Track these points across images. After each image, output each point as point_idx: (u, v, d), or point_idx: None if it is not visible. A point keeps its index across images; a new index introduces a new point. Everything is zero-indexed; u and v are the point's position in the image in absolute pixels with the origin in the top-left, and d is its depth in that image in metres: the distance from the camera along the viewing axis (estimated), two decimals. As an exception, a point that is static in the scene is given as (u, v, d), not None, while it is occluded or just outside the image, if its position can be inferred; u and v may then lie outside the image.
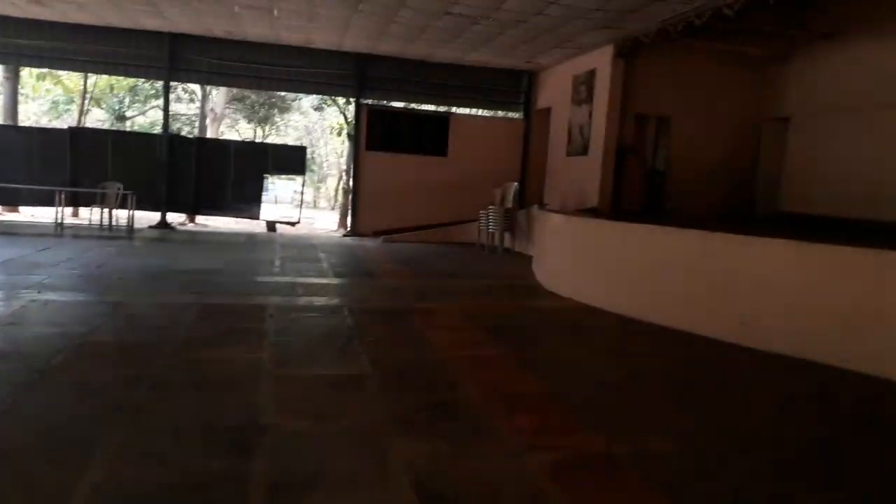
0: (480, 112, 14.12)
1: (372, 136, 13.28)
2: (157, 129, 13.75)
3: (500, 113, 14.40)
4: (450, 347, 4.74)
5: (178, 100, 24.64)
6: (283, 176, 14.50)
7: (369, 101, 13.57)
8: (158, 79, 13.08)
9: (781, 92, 10.80)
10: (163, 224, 13.10)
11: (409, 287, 7.53)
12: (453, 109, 13.82)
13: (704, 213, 10.79)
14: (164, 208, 13.12)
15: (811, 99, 10.20)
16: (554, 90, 12.77)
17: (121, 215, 12.14)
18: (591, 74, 11.02)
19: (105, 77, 20.49)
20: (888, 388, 4.19)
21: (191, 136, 18.89)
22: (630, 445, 3.03)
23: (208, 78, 13.66)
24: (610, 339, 5.50)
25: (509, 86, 13.73)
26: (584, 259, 7.15)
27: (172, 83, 14.22)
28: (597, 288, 6.69)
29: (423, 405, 3.45)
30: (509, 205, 11.83)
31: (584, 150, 11.18)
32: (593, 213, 9.80)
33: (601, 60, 10.72)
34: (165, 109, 13.61)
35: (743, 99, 11.13)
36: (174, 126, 23.49)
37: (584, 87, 11.29)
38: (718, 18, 8.51)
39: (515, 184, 12.16)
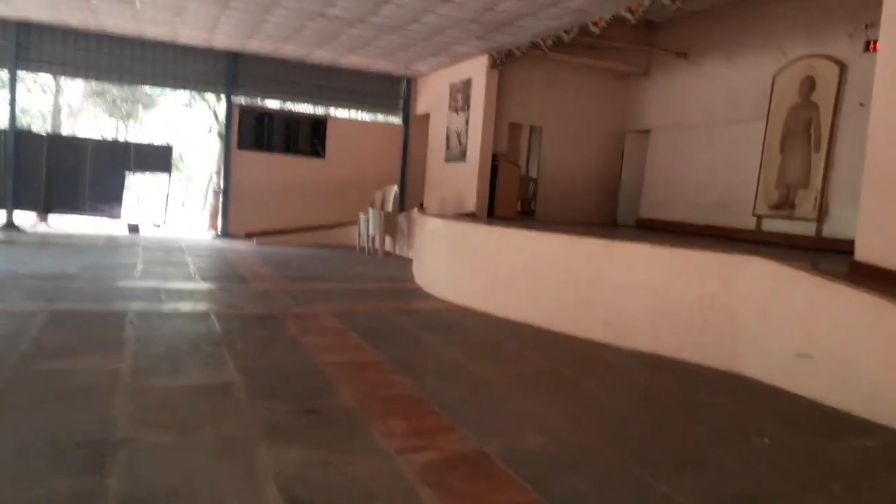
0: (360, 115, 14.02)
1: (244, 134, 12.83)
2: (3, 124, 12.52)
3: (380, 117, 14.38)
4: (325, 352, 4.64)
5: (29, 92, 22.60)
6: (147, 174, 13.64)
7: (241, 100, 13.10)
8: (2, 67, 11.93)
9: (643, 106, 11.56)
10: (9, 225, 11.95)
11: (282, 291, 7.32)
12: (332, 111, 13.63)
13: (574, 219, 11.34)
14: (9, 207, 11.97)
15: (668, 113, 10.99)
16: (432, 97, 12.93)
17: (-44, 215, 10.94)
18: (468, 83, 11.26)
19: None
20: (739, 382, 4.56)
21: (42, 131, 17.39)
22: (503, 443, 3.10)
23: (62, 69, 12.63)
24: (486, 340, 5.61)
25: (389, 90, 13.74)
26: (463, 262, 7.28)
27: (22, 73, 13.01)
28: (475, 290, 6.83)
29: (296, 412, 3.35)
30: (389, 208, 11.82)
31: (462, 157, 11.39)
32: (471, 217, 10.01)
33: (476, 70, 10.98)
34: (12, 102, 12.43)
35: (609, 111, 11.81)
36: (24, 120, 21.50)
37: (460, 95, 11.51)
38: (585, 35, 8.98)
39: (396, 187, 12.18)
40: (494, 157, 10.95)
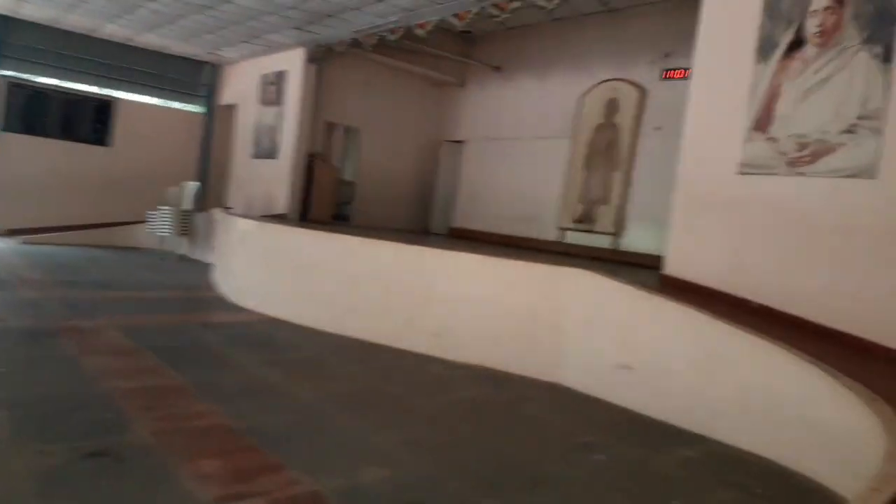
0: (155, 101, 12.64)
1: (12, 115, 10.94)
2: None
3: (179, 105, 13.09)
4: (112, 377, 3.91)
5: None
6: None
7: (10, 73, 11.17)
8: None
9: (458, 116, 11.72)
10: None
11: (56, 300, 6.21)
12: (122, 95, 12.11)
13: (389, 225, 11.16)
14: None
15: (481, 125, 11.24)
16: (240, 87, 12.04)
17: None
18: (282, 76, 10.61)
19: None
20: (564, 394, 4.60)
21: None
22: (340, 482, 2.73)
23: None
24: (307, 358, 5.15)
25: (190, 76, 12.56)
26: (277, 269, 6.71)
27: None
28: (290, 301, 6.31)
29: (78, 456, 2.69)
30: (188, 206, 10.74)
31: (273, 154, 10.70)
32: (281, 219, 9.38)
33: (292, 62, 10.38)
34: None
35: (426, 119, 11.81)
36: None
37: (273, 87, 10.82)
38: (410, 38, 8.83)
39: (195, 183, 11.10)
40: (310, 157, 10.42)
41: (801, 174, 4.46)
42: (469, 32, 11.26)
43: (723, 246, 4.90)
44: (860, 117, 4.17)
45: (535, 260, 5.17)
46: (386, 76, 11.05)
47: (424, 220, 11.99)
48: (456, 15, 7.54)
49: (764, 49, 4.74)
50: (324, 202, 10.68)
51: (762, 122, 4.70)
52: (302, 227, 7.28)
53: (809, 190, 4.43)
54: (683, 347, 4.06)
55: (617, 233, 8.88)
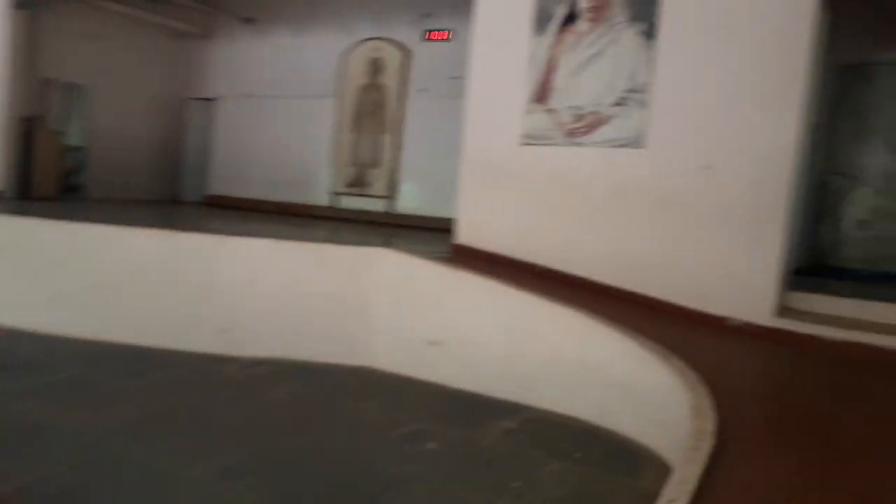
0: None
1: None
2: None
3: None
4: None
5: None
6: None
7: None
8: None
9: (205, 71, 10.66)
10: None
11: None
12: None
13: (132, 197, 9.89)
14: None
15: (235, 81, 10.35)
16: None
17: None
18: (-25, 20, 8.63)
19: None
20: (376, 378, 4.47)
21: None
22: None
23: None
24: (71, 377, 4.32)
25: None
26: (7, 266, 5.51)
27: None
28: (30, 304, 5.24)
29: None
30: None
31: (-27, 118, 8.76)
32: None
33: (-9, 6, 8.50)
34: None
35: (167, 75, 10.55)
36: None
37: (-36, 34, 8.78)
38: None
39: None
40: (27, 122, 8.72)
41: (579, 144, 4.76)
42: (212, -22, 10.20)
43: (509, 214, 5.09)
44: (629, 90, 4.55)
45: (343, 241, 4.90)
46: (117, 26, 9.59)
47: (174, 188, 10.83)
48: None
49: (540, 21, 4.91)
50: (48, 174, 9.07)
51: (541, 94, 4.91)
52: (37, 214, 6.06)
53: (586, 159, 4.75)
54: (491, 319, 4.17)
55: (391, 196, 8.87)
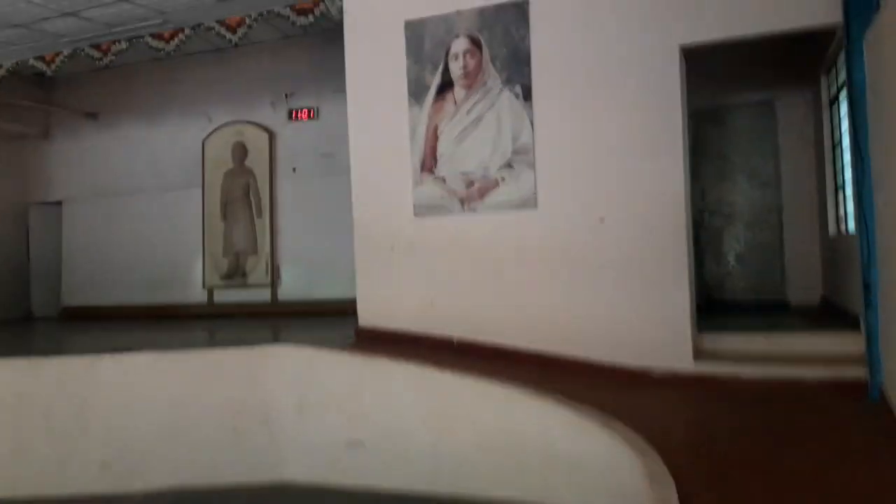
0: None
1: None
2: None
3: None
4: None
5: None
6: None
7: None
8: None
9: (48, 173, 9.74)
10: None
11: None
12: None
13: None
14: None
15: (83, 181, 9.51)
16: None
17: None
18: None
19: None
20: (288, 494, 3.98)
21: None
22: None
23: None
24: None
25: None
26: None
27: None
28: None
29: None
30: None
31: None
32: None
33: None
34: None
35: (5, 181, 9.54)
36: None
37: None
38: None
39: None
40: None
41: (473, 210, 4.66)
42: (44, 75, 9.44)
43: (412, 288, 4.86)
44: (515, 152, 4.53)
45: (233, 344, 4.41)
46: (-65, 132, 8.61)
47: (23, 303, 9.65)
48: (42, 58, 6.13)
49: (416, 92, 4.83)
50: None
51: (427, 163, 4.79)
52: None
53: (481, 224, 4.65)
54: (413, 407, 3.86)
55: (273, 283, 8.37)
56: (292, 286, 8.33)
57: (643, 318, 4.20)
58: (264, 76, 8.53)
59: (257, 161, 8.49)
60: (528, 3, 4.47)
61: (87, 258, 9.40)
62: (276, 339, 5.95)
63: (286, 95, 8.39)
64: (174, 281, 8.86)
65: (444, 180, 4.74)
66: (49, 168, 9.74)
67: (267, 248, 8.39)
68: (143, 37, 5.62)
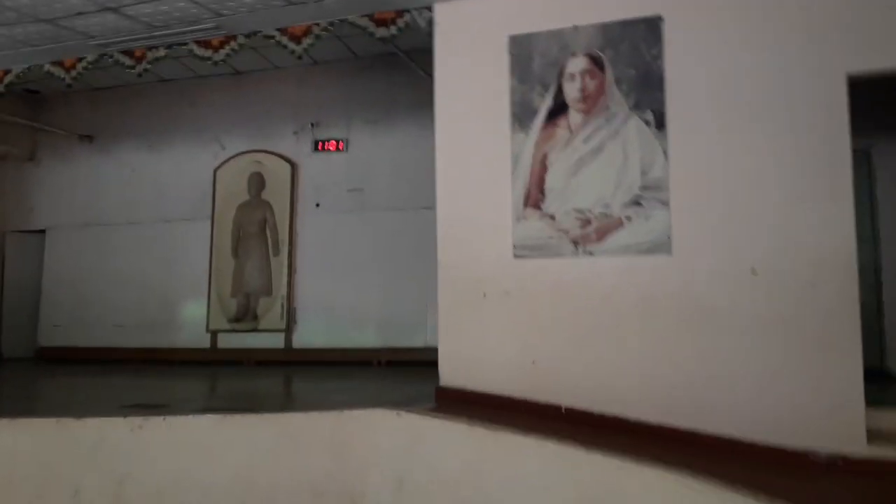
0: None
1: None
2: None
3: None
4: None
5: None
6: None
7: None
8: None
9: (32, 199, 8.65)
10: None
11: None
12: None
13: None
14: None
15: (72, 209, 8.42)
16: None
17: None
18: None
19: None
20: None
21: None
22: None
23: None
24: None
25: None
26: None
27: None
28: None
29: None
30: None
31: None
32: None
33: None
34: None
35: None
36: None
37: None
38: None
39: None
40: None
41: (589, 253, 3.93)
42: (37, 92, 8.50)
43: (509, 344, 4.06)
44: (643, 188, 3.84)
45: (317, 407, 3.51)
46: None
47: (-4, 344, 8.44)
48: (60, 63, 5.22)
49: (521, 115, 4.13)
50: None
51: (533, 197, 4.06)
52: None
53: (599, 271, 3.91)
54: (559, 499, 3.03)
55: (289, 328, 7.43)
56: (310, 332, 7.40)
57: (804, 389, 3.49)
58: (287, 103, 7.75)
59: (276, 194, 7.64)
60: (661, 20, 3.85)
61: (71, 293, 8.28)
62: (299, 392, 5.05)
63: (312, 125, 7.62)
64: (172, 322, 7.83)
65: (552, 217, 4.01)
66: (33, 193, 8.67)
67: (283, 290, 7.47)
68: (186, 43, 4.79)
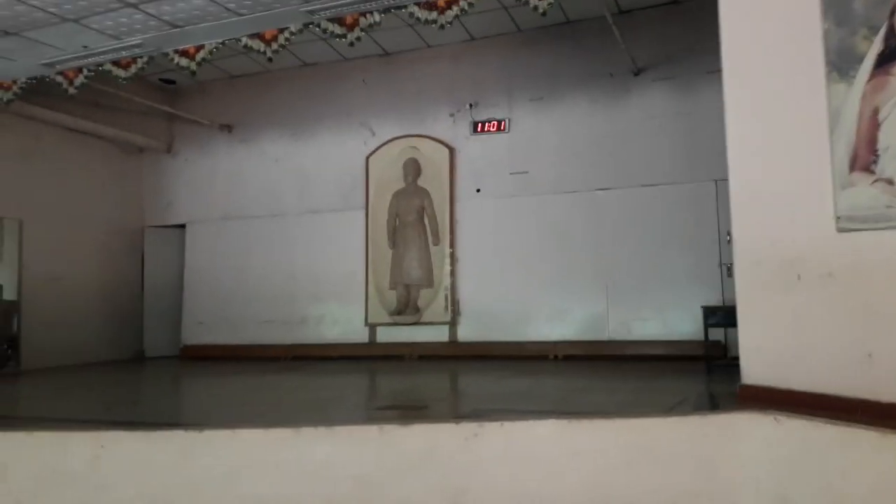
0: None
1: None
2: None
3: None
4: None
5: None
6: None
7: None
8: None
9: (172, 193, 8.25)
10: None
11: None
12: None
13: (81, 360, 7.13)
14: None
15: (212, 202, 8.02)
16: None
17: None
18: None
19: None
20: None
21: None
22: None
23: None
24: None
25: None
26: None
27: None
28: None
29: None
30: None
31: None
32: None
33: None
34: None
35: (124, 200, 8.09)
36: None
37: None
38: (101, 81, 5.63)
39: None
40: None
41: (942, 223, 3.21)
42: (172, 82, 8.12)
43: (834, 334, 3.36)
44: None
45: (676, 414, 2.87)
46: (57, 140, 7.19)
47: (135, 341, 8.08)
48: (185, 52, 4.74)
49: (839, 64, 3.42)
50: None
51: (862, 159, 3.35)
52: None
53: (955, 244, 3.20)
54: None
55: (453, 321, 6.86)
56: (475, 324, 6.82)
57: None
58: (442, 83, 7.18)
59: (434, 180, 7.06)
60: None
61: (214, 289, 7.87)
62: (557, 391, 4.31)
63: (470, 105, 7.02)
64: (325, 317, 7.35)
65: (889, 182, 3.30)
66: (171, 186, 8.29)
67: (446, 280, 6.90)
68: (407, 6, 4.22)
